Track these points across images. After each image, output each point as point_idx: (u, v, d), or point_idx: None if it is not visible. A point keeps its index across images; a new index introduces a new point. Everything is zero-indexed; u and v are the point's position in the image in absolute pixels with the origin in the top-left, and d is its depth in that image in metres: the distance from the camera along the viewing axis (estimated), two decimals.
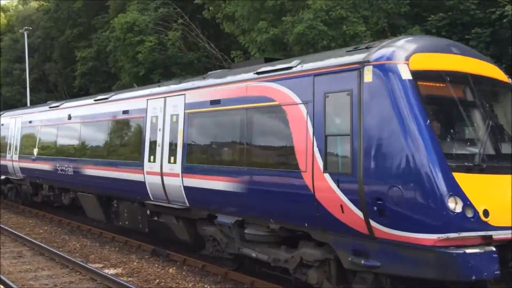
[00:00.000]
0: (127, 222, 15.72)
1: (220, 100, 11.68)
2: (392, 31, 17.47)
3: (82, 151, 17.38)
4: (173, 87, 13.55)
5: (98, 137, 16.53)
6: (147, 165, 13.83)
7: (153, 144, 13.76)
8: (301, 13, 17.02)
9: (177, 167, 12.71)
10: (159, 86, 14.58)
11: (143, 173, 13.94)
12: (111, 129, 15.78)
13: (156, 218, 14.15)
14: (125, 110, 15.10)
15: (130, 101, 15.05)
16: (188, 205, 12.60)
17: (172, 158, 12.95)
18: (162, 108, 13.50)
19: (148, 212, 14.46)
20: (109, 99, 16.24)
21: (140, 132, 14.39)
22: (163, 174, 13.23)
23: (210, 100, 11.95)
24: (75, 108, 18.20)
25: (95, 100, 17.07)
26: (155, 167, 13.51)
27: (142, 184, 14.05)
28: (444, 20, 16.35)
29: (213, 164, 11.71)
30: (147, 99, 14.17)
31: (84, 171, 17.06)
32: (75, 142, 17.91)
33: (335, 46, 15.90)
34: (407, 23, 17.56)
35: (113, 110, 15.74)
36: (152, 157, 13.69)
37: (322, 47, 16.11)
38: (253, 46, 19.01)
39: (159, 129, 13.51)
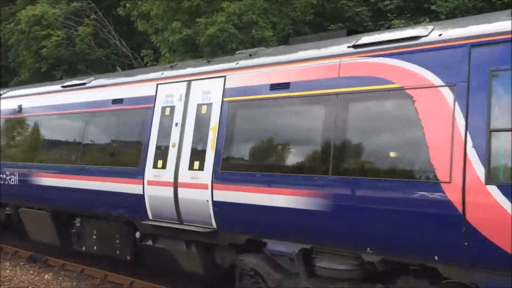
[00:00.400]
0: (96, 247, 12.86)
1: (289, 83, 9.24)
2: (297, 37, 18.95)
3: (35, 155, 14.18)
4: (203, 67, 10.94)
5: (65, 135, 13.51)
6: (150, 173, 11.04)
7: (163, 144, 11.04)
8: (215, 15, 18.32)
9: (205, 176, 10.05)
10: (171, 67, 11.88)
11: (142, 184, 11.12)
12: (88, 124, 12.80)
13: (150, 243, 11.40)
14: (116, 99, 12.26)
15: (126, 86, 12.25)
16: (215, 227, 9.89)
17: (196, 164, 10.27)
18: (183, 96, 10.87)
19: (137, 234, 11.55)
20: (88, 85, 13.30)
21: (140, 128, 11.63)
22: (179, 185, 10.47)
23: (271, 84, 9.48)
24: (31, 97, 14.98)
25: (63, 87, 14.02)
26: (165, 176, 10.74)
27: (137, 198, 11.21)
28: (341, 30, 17.59)
29: (270, 172, 9.16)
30: (157, 84, 11.45)
31: (36, 181, 13.89)
32: (25, 142, 14.65)
33: (243, 49, 16.04)
34: (310, 31, 19.42)
35: (95, 99, 12.85)
36: (160, 162, 10.92)
37: (231, 49, 17.22)
38: (164, 46, 20.12)
39: (176, 124, 10.82)
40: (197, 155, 10.32)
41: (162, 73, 11.67)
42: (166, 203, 10.74)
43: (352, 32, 9.93)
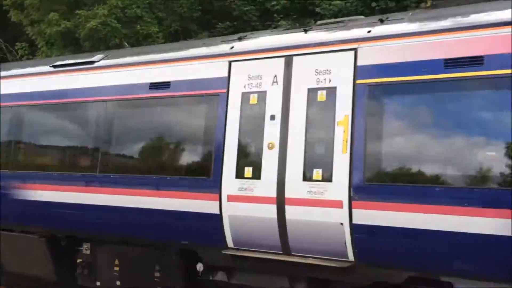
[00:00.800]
0: (121, 282, 9.23)
1: (481, 57, 6.25)
2: (185, 34, 19.14)
3: (18, 160, 10.11)
4: (313, 35, 7.65)
5: (69, 133, 9.59)
6: (231, 185, 7.77)
7: (251, 144, 7.87)
8: (96, 8, 17.44)
9: (337, 189, 7.01)
10: (239, 39, 8.44)
11: (219, 199, 7.75)
12: (108, 118, 9.08)
13: (223, 278, 8.22)
14: (157, 83, 8.73)
15: (173, 65, 8.67)
16: (351, 259, 6.81)
17: (317, 172, 7.16)
18: (281, 77, 7.68)
19: (199, 267, 8.36)
20: (99, 64, 9.56)
21: (205, 122, 8.22)
22: (287, 202, 7.23)
23: (446, 60, 6.55)
24: (12, 80, 10.71)
25: (55, 67, 10.04)
26: (261, 189, 7.56)
27: (208, 218, 7.95)
28: (230, 29, 18.08)
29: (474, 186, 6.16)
30: (230, 61, 8.04)
31: (20, 195, 9.93)
32: (6, 144, 10.43)
33: (128, 45, 16.88)
34: (198, 28, 19.35)
35: (118, 83, 9.15)
36: (248, 170, 7.68)
37: (114, 45, 16.75)
38: (41, 39, 19.04)
39: (271, 117, 7.59)
40: (318, 160, 7.17)
41: (233, 47, 8.17)
42: (262, 226, 7.53)
43: None
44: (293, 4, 18.37)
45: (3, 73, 10.77)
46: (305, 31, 8.00)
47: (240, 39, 8.54)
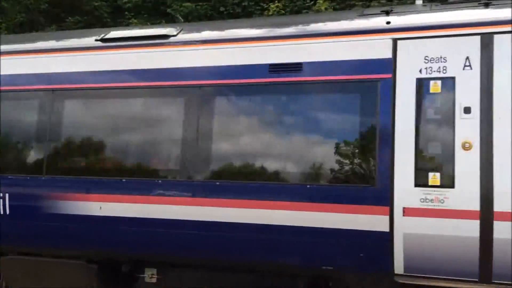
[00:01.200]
0: None
1: None
2: (31, 26, 18.53)
3: (71, 162, 7.61)
4: None
5: (146, 125, 7.25)
6: (409, 195, 6.10)
7: (434, 144, 6.07)
8: None
9: None
10: (386, 13, 6.65)
11: (390, 213, 6.10)
12: (207, 107, 6.90)
13: None
14: (282, 65, 6.70)
15: (306, 42, 6.70)
16: None
17: None
18: (476, 60, 6.12)
19: None
20: (180, 39, 7.28)
21: (361, 114, 6.37)
22: (496, 217, 5.70)
23: None
24: (34, 56, 8.00)
25: (104, 41, 7.64)
26: (455, 200, 5.96)
27: (372, 237, 6.32)
28: (79, 23, 17.81)
29: None
30: (395, 38, 6.26)
31: (74, 208, 7.40)
32: (37, 139, 7.75)
33: None
34: (46, 21, 18.68)
35: (219, 64, 7.01)
36: (435, 176, 6.04)
37: None
38: None
39: (466, 110, 6.01)
40: None
41: (389, 22, 6.39)
42: (454, 247, 5.92)
43: None
44: (145, 3, 18.25)
45: (15, 47, 8.06)
46: (486, 5, 6.37)
47: (387, 13, 6.71)
